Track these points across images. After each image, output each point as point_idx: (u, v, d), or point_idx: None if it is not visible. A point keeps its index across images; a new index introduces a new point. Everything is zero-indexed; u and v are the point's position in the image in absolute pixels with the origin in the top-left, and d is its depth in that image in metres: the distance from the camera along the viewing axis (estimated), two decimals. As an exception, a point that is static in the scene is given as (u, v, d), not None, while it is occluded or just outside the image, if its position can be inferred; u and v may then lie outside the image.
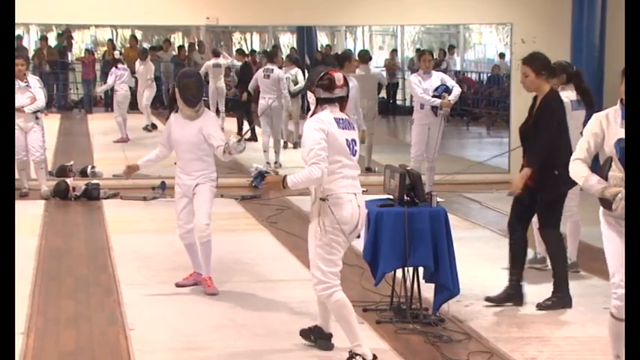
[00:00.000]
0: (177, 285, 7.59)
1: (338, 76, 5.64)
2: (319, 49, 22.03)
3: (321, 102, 5.61)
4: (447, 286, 6.48)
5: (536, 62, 6.77)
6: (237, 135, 7.33)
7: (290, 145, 16.00)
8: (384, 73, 18.13)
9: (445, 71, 21.76)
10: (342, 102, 5.65)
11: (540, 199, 6.80)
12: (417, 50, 19.32)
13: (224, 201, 11.65)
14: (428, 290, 6.68)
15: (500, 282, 7.05)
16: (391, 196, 6.70)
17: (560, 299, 6.88)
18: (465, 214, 10.54)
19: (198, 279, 7.56)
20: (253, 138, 14.79)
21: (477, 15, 14.15)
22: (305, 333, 6.14)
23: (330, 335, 6.04)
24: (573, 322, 6.69)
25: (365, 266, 6.90)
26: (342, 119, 5.61)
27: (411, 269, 6.59)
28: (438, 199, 6.67)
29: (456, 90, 11.14)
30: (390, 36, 24.09)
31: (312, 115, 5.63)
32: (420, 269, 6.61)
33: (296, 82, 15.72)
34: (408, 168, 6.76)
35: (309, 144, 5.47)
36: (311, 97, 5.66)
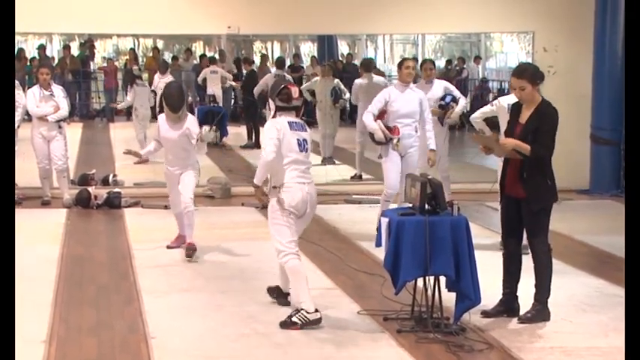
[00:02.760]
0: (168, 247, 9.20)
1: (294, 90, 6.90)
2: (340, 57, 22.04)
3: (279, 109, 6.86)
4: (469, 295, 6.46)
5: (530, 74, 6.76)
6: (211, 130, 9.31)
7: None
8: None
9: (466, 79, 21.77)
10: (297, 110, 6.91)
11: (528, 209, 6.74)
12: (451, 61, 19.41)
13: (245, 209, 11.68)
14: (449, 299, 6.67)
15: (521, 292, 7.00)
16: (412, 205, 6.69)
17: (540, 312, 6.82)
18: (487, 223, 10.50)
19: (183, 239, 9.06)
20: (257, 145, 14.67)
21: (499, 24, 14.11)
22: (271, 290, 7.33)
23: (288, 294, 7.13)
24: (596, 332, 6.65)
25: (386, 275, 6.89)
26: (296, 122, 6.87)
27: (432, 278, 6.57)
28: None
29: (462, 100, 11.05)
30: (410, 44, 24.05)
31: (272, 118, 6.93)
32: (442, 278, 6.59)
33: (340, 94, 15.35)
34: (430, 177, 6.74)
35: (267, 137, 6.79)
36: (272, 105, 6.88)
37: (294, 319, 6.63)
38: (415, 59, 22.56)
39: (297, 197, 6.72)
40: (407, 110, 9.53)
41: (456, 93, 11.10)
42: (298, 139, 6.80)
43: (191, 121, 8.91)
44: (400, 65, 9.72)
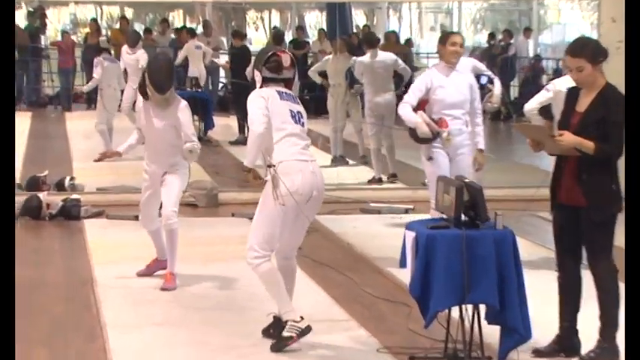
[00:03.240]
0: (139, 274, 9.03)
1: (285, 57, 7.03)
2: (355, 30, 22.10)
3: (266, 81, 7.00)
4: (516, 328, 6.48)
5: (590, 50, 6.74)
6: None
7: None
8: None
9: (514, 58, 21.80)
10: (287, 82, 7.07)
11: (587, 219, 6.73)
12: (494, 34, 19.35)
13: (236, 221, 11.69)
14: (491, 334, 6.68)
15: (582, 325, 7.01)
16: (445, 216, 6.72)
17: (606, 351, 6.80)
18: (539, 239, 10.51)
19: (161, 265, 8.93)
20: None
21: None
22: (265, 331, 7.23)
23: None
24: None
25: (413, 303, 6.91)
26: (286, 93, 7.02)
27: (470, 307, 6.60)
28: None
29: (497, 82, 10.89)
30: (444, 14, 24.16)
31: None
32: (482, 307, 6.61)
33: (355, 76, 15.34)
34: (466, 180, 6.76)
35: (251, 110, 6.86)
36: (257, 76, 7.01)
37: (285, 334, 6.87)
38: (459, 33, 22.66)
39: (298, 180, 6.86)
40: (455, 99, 9.16)
41: (487, 73, 10.95)
42: (291, 110, 6.98)
43: (183, 109, 8.64)
44: (444, 41, 9.26)
